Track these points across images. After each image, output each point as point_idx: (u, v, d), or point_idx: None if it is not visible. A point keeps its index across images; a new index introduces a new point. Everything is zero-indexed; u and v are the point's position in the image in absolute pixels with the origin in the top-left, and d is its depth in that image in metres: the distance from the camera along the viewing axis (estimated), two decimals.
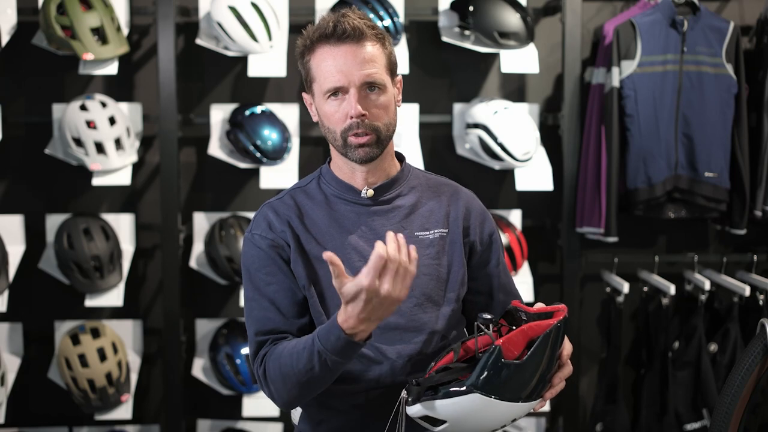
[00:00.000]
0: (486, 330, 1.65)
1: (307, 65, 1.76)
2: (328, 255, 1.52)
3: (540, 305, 1.71)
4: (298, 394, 1.70)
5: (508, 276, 1.94)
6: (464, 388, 1.57)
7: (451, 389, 1.57)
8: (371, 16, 3.30)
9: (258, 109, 3.39)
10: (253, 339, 1.77)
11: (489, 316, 1.65)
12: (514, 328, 1.67)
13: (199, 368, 3.51)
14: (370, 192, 1.81)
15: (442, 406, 1.58)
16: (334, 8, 3.32)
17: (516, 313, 1.69)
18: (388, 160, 1.83)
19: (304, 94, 1.83)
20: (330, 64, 1.71)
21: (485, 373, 1.56)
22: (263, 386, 1.75)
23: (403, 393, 1.65)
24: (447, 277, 1.82)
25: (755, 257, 3.54)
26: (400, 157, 1.89)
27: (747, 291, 3.31)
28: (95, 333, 3.37)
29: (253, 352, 1.77)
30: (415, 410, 1.62)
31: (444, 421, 1.61)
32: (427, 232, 1.82)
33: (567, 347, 1.67)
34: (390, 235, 1.54)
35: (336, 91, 1.72)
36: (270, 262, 1.78)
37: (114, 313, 3.61)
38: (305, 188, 1.86)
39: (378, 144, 1.75)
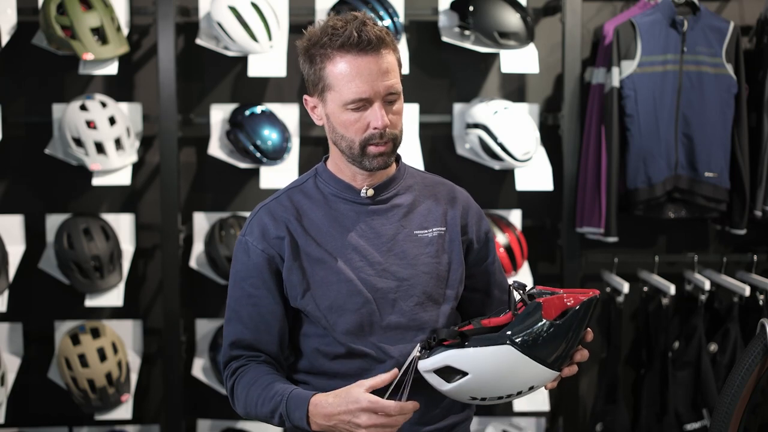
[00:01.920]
0: (521, 293, 1.64)
1: (320, 72, 1.73)
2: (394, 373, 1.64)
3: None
4: (259, 420, 1.78)
5: (503, 273, 1.96)
6: (499, 338, 1.55)
7: (484, 339, 1.56)
8: (371, 16, 3.30)
9: (258, 109, 3.39)
10: (226, 348, 1.82)
11: (522, 282, 1.66)
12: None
13: (199, 368, 3.51)
14: (370, 192, 1.81)
15: (471, 356, 1.57)
16: (335, 8, 3.32)
17: (540, 295, 1.68)
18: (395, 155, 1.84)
19: (306, 97, 1.81)
20: (354, 75, 1.69)
21: (523, 327, 1.55)
22: (228, 392, 1.82)
23: (416, 351, 1.65)
24: (447, 276, 1.83)
25: (755, 257, 3.54)
26: (396, 156, 1.88)
27: (747, 291, 3.31)
28: (95, 333, 3.37)
29: (224, 361, 1.83)
30: (435, 360, 1.61)
31: (464, 374, 1.59)
32: (426, 231, 1.83)
33: (589, 332, 1.68)
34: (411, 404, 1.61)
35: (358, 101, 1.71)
36: (256, 274, 1.78)
37: (114, 313, 3.61)
38: (302, 187, 1.85)
39: (394, 152, 1.77)
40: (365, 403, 1.60)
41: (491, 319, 1.69)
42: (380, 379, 1.64)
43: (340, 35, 1.69)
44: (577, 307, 1.59)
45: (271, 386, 1.72)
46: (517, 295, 1.66)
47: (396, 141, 1.77)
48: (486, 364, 1.58)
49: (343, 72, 1.70)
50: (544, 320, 1.56)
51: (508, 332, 1.56)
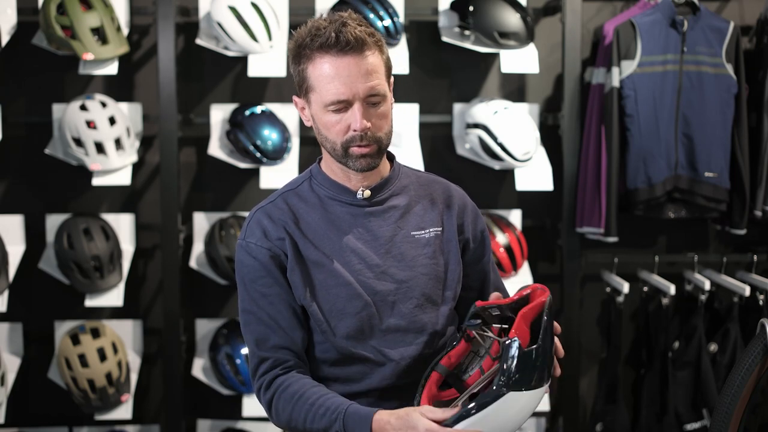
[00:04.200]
0: (488, 331, 1.65)
1: (303, 73, 1.72)
2: None
3: (497, 295, 1.74)
4: None
5: (497, 272, 1.95)
6: (496, 392, 1.55)
7: (483, 400, 1.55)
8: (371, 16, 3.30)
9: (258, 109, 3.39)
10: (255, 352, 1.76)
11: (478, 321, 1.65)
12: (487, 327, 1.67)
13: (199, 368, 3.51)
14: (367, 193, 1.79)
15: (481, 418, 1.56)
16: (335, 8, 3.32)
17: (484, 312, 1.67)
18: (381, 162, 1.82)
19: (295, 98, 1.80)
20: (332, 77, 1.67)
21: (513, 369, 1.55)
22: (264, 404, 1.75)
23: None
24: (445, 276, 1.82)
25: (755, 257, 3.54)
26: (390, 156, 1.87)
27: (747, 291, 3.31)
28: (95, 333, 3.37)
29: (255, 366, 1.77)
30: None
31: None
32: (423, 231, 1.81)
33: (556, 326, 1.66)
34: None
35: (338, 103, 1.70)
36: (266, 273, 1.75)
37: (114, 313, 3.61)
38: (297, 190, 1.83)
39: (379, 154, 1.74)
40: (422, 430, 1.56)
41: (450, 354, 1.67)
42: (440, 414, 1.57)
43: (320, 36, 1.68)
44: (546, 318, 1.60)
45: (322, 401, 1.67)
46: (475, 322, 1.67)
47: (380, 143, 1.73)
48: (498, 418, 1.57)
49: (322, 73, 1.69)
50: (527, 351, 1.56)
51: (503, 381, 1.55)
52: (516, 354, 1.55)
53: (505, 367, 1.55)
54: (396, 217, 1.80)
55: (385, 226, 1.79)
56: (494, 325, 1.68)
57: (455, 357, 1.68)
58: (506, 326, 1.67)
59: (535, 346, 1.57)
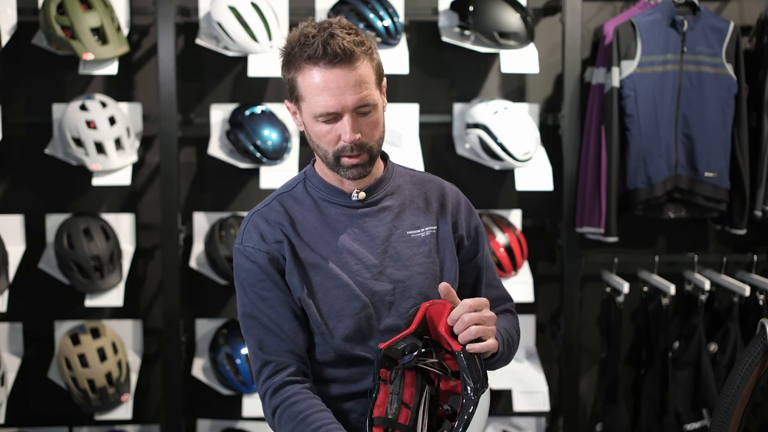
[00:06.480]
0: (424, 360, 1.68)
1: (293, 82, 1.71)
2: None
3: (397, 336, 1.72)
4: None
5: (492, 267, 1.95)
6: (470, 401, 1.59)
7: (466, 415, 1.59)
8: (371, 16, 3.30)
9: (258, 109, 3.39)
10: (258, 356, 1.76)
11: (408, 360, 1.67)
12: (399, 364, 1.67)
13: (199, 368, 3.51)
14: (362, 195, 1.79)
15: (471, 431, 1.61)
16: (334, 8, 3.32)
17: (391, 351, 1.66)
18: (374, 163, 1.82)
19: (287, 102, 1.78)
20: (321, 89, 1.66)
21: (474, 376, 1.60)
22: (268, 411, 1.75)
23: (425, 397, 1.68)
24: (441, 275, 1.82)
25: (755, 257, 3.54)
26: (384, 156, 1.87)
27: (747, 291, 3.31)
28: (95, 333, 3.38)
29: (258, 370, 1.76)
30: None
31: None
32: (419, 230, 1.82)
33: (472, 301, 1.66)
34: None
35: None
36: (265, 276, 1.75)
37: (114, 313, 3.61)
38: (292, 192, 1.83)
39: (370, 161, 1.74)
40: None
41: (377, 404, 1.66)
42: None
43: (309, 46, 1.65)
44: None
45: (323, 428, 1.66)
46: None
47: (371, 152, 1.73)
48: (478, 423, 1.62)
49: (311, 84, 1.67)
50: (470, 354, 1.62)
51: (472, 388, 1.60)
52: (470, 362, 1.61)
53: (467, 378, 1.60)
54: (391, 217, 1.80)
55: (380, 227, 1.79)
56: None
57: (382, 404, 1.67)
58: (426, 349, 1.68)
59: (462, 351, 1.62)
